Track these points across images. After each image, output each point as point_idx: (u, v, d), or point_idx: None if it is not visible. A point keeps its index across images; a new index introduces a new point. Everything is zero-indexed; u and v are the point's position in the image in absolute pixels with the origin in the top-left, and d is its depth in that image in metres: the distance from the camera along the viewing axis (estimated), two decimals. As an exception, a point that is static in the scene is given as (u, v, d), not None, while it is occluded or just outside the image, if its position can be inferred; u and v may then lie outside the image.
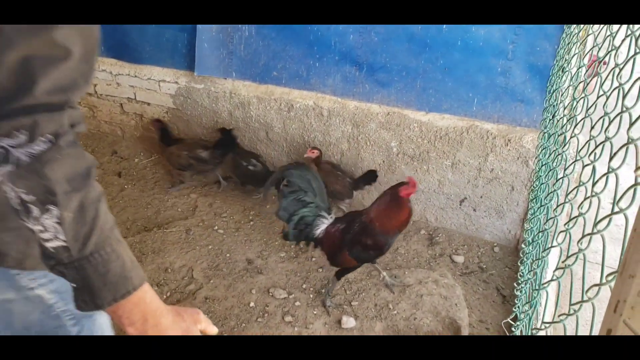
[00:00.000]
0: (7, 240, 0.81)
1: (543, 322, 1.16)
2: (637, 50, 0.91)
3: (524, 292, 1.76)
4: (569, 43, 1.95)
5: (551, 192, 1.52)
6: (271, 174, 2.43)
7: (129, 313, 0.76)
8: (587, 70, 1.61)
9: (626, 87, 0.98)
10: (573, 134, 1.41)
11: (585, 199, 1.03)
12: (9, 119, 0.62)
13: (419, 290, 2.22)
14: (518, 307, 1.88)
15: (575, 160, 1.27)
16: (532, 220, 1.88)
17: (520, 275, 1.97)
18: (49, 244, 0.68)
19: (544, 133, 2.11)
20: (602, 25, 1.40)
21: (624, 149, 0.87)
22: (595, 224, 0.90)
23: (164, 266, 2.31)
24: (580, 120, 1.33)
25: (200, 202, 2.88)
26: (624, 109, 0.93)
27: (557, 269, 1.19)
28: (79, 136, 0.71)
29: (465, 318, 2.10)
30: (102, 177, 3.05)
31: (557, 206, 1.34)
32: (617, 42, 1.14)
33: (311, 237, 2.11)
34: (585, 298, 0.89)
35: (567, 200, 1.25)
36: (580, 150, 1.22)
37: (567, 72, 1.84)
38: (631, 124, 0.86)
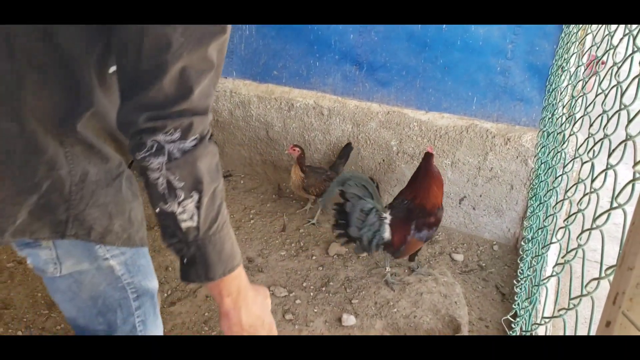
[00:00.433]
0: (95, 216, 0.92)
1: (543, 317, 1.17)
2: (635, 49, 0.93)
3: (523, 288, 1.78)
4: (567, 42, 1.97)
5: (550, 190, 1.53)
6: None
7: (228, 285, 0.89)
8: (585, 69, 1.63)
9: (624, 85, 0.99)
10: (572, 132, 1.42)
11: (584, 195, 1.05)
12: (171, 119, 0.75)
13: (419, 289, 2.23)
14: (518, 303, 1.90)
15: (574, 158, 1.28)
16: (532, 217, 1.90)
17: (520, 272, 1.99)
18: (183, 224, 0.80)
19: (543, 131, 2.12)
20: (600, 25, 1.42)
21: (622, 146, 0.88)
22: (594, 220, 0.91)
23: (164, 264, 2.32)
24: (579, 119, 1.34)
25: (201, 201, 2.88)
26: (622, 106, 0.94)
27: (556, 265, 1.21)
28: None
29: (465, 316, 2.11)
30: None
31: (557, 203, 1.35)
32: (615, 42, 1.16)
33: (381, 242, 2.17)
34: (584, 292, 0.90)
35: (566, 197, 1.26)
36: (579, 148, 1.23)
37: (566, 71, 1.85)
38: (629, 121, 0.87)
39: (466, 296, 2.27)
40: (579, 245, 0.99)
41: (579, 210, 1.07)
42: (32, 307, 2.04)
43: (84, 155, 0.89)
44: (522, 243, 2.14)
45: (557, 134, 1.66)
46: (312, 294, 2.22)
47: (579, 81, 1.62)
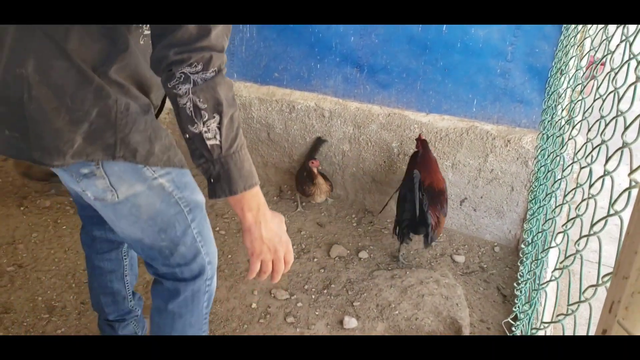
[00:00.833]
0: (138, 140, 1.09)
1: (542, 322, 1.18)
2: (631, 56, 0.93)
3: (523, 292, 1.78)
4: (566, 45, 1.97)
5: (550, 194, 1.54)
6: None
7: (249, 201, 1.03)
8: (584, 73, 1.63)
9: (621, 91, 0.99)
10: (571, 136, 1.43)
11: (582, 200, 1.05)
12: (195, 52, 0.92)
13: (420, 290, 2.24)
14: (518, 306, 1.90)
15: (573, 162, 1.29)
16: (531, 220, 1.90)
17: (520, 275, 1.99)
18: (209, 142, 0.96)
19: (543, 134, 2.13)
20: (598, 28, 1.42)
21: (619, 152, 0.89)
22: (592, 226, 0.92)
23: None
24: (578, 123, 1.35)
25: (203, 204, 2.89)
26: (619, 112, 0.95)
27: (555, 269, 1.21)
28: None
29: (466, 318, 2.12)
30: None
31: (556, 207, 1.36)
32: (612, 47, 1.16)
33: (429, 230, 2.30)
34: (582, 298, 0.91)
35: (565, 201, 1.27)
36: (578, 152, 1.24)
37: (565, 74, 1.86)
38: (626, 128, 0.88)
39: (467, 298, 2.28)
40: (577, 251, 0.99)
41: (577, 216, 1.07)
42: (33, 311, 2.05)
43: (120, 92, 1.06)
44: (522, 246, 2.14)
45: (557, 137, 1.67)
46: (313, 296, 2.23)
47: (578, 85, 1.62)
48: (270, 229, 1.08)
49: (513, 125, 2.50)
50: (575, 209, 1.08)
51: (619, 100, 0.98)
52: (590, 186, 1.01)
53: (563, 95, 1.84)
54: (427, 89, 2.59)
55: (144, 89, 1.13)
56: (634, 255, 0.64)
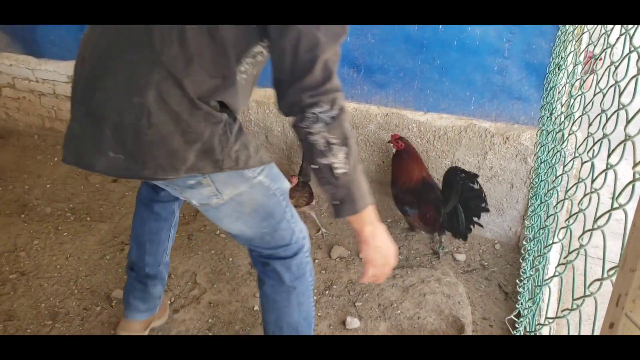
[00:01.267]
0: (238, 149, 1.21)
1: (547, 318, 1.18)
2: (632, 49, 0.93)
3: (526, 288, 1.78)
4: (564, 41, 1.97)
5: (551, 189, 1.54)
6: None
7: (367, 217, 1.19)
8: (583, 68, 1.63)
9: (622, 84, 0.99)
10: (571, 131, 1.42)
11: (584, 195, 1.05)
12: (324, 95, 1.06)
13: (422, 289, 2.24)
14: (521, 303, 1.90)
15: (574, 157, 1.29)
16: (533, 217, 1.90)
17: (522, 272, 1.99)
18: (337, 171, 1.11)
19: (542, 130, 2.12)
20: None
21: (621, 146, 0.88)
22: (595, 220, 0.91)
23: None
24: (578, 118, 1.35)
25: (202, 207, 2.88)
26: (620, 106, 0.94)
27: (558, 264, 1.21)
28: None
29: (468, 316, 2.11)
30: (102, 184, 3.06)
31: (557, 203, 1.36)
32: (611, 40, 1.16)
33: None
34: (587, 293, 0.90)
35: (567, 196, 1.27)
36: (579, 147, 1.23)
37: (563, 70, 1.85)
38: (628, 121, 0.87)
39: (469, 296, 2.27)
40: (581, 246, 0.99)
41: (580, 210, 1.07)
42: (36, 318, 2.04)
43: (224, 115, 1.19)
44: (524, 242, 2.14)
45: (556, 132, 1.66)
46: (315, 297, 2.22)
47: (577, 80, 1.62)
48: (383, 240, 1.23)
49: (511, 122, 2.50)
50: (578, 203, 1.08)
51: (620, 94, 0.97)
52: (593, 180, 1.01)
53: (562, 90, 1.84)
54: (425, 88, 2.59)
55: (236, 111, 1.26)
56: (640, 247, 0.63)
